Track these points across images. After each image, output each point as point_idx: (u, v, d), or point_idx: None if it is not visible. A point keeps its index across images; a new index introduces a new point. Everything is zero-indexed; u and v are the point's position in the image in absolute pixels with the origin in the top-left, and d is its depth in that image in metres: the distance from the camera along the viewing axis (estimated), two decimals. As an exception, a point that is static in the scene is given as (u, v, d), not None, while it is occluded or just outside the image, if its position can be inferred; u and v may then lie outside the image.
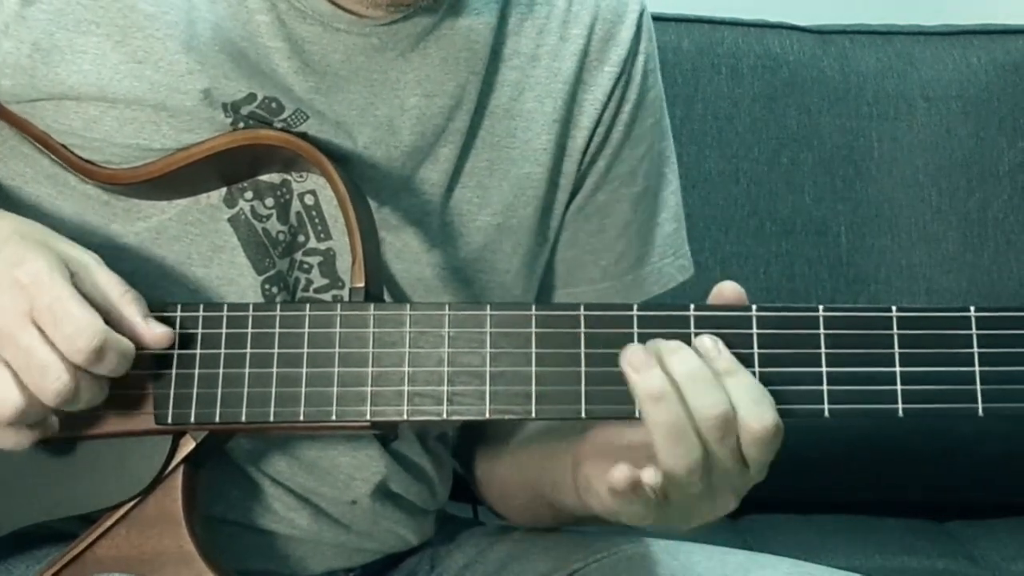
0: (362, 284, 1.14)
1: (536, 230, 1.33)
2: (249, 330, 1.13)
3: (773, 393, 1.07)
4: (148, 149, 1.20)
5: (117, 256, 1.20)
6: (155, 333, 1.12)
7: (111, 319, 1.10)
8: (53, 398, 1.06)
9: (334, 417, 1.11)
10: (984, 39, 2.29)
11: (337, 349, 1.12)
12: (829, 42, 2.27)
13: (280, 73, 1.21)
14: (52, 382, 1.06)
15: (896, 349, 1.07)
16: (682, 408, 1.06)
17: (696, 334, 1.08)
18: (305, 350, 1.12)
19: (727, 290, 1.12)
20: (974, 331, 1.07)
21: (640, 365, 1.07)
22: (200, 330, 1.14)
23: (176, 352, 1.13)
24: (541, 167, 1.31)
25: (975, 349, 1.07)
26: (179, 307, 1.14)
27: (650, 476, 1.07)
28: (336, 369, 1.12)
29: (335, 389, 1.12)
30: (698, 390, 1.06)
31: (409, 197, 1.26)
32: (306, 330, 1.13)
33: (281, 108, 1.20)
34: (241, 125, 1.20)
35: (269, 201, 1.23)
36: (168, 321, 1.13)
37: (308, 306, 1.13)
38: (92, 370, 1.07)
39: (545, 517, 1.34)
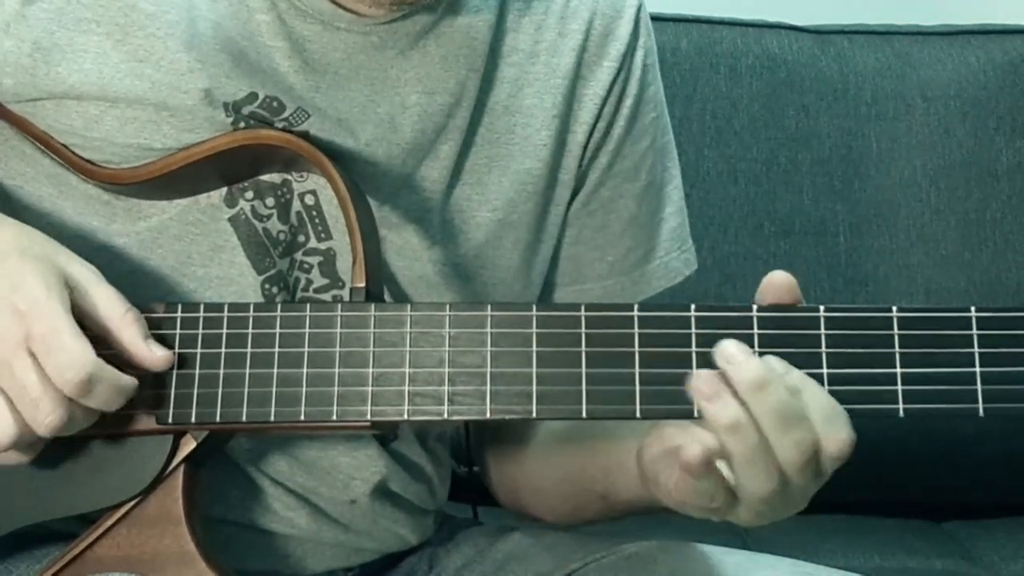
0: (363, 284, 1.14)
1: (536, 225, 1.33)
2: (250, 330, 1.13)
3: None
4: (149, 149, 1.20)
5: (118, 256, 1.21)
6: (156, 356, 1.12)
7: (111, 340, 1.10)
8: (45, 431, 1.07)
9: (335, 417, 1.11)
10: (982, 39, 2.28)
11: (338, 349, 1.12)
12: (828, 42, 2.26)
13: (281, 72, 1.21)
14: (45, 416, 1.07)
15: (897, 349, 1.07)
16: (759, 436, 1.04)
17: (698, 335, 1.08)
18: (306, 350, 1.12)
19: (778, 279, 1.10)
20: (975, 331, 1.07)
21: (711, 394, 1.05)
22: (201, 330, 1.14)
23: (176, 352, 1.13)
24: (541, 163, 1.31)
25: (976, 349, 1.07)
26: (179, 307, 1.14)
27: (727, 472, 1.07)
28: (337, 369, 1.12)
29: (336, 389, 1.11)
30: (783, 430, 1.04)
31: (409, 194, 1.26)
32: (307, 330, 1.13)
33: (282, 107, 1.20)
34: (242, 124, 1.20)
35: (270, 201, 1.23)
36: (169, 322, 1.13)
37: (309, 306, 1.13)
38: (83, 402, 1.08)
39: (591, 511, 1.33)
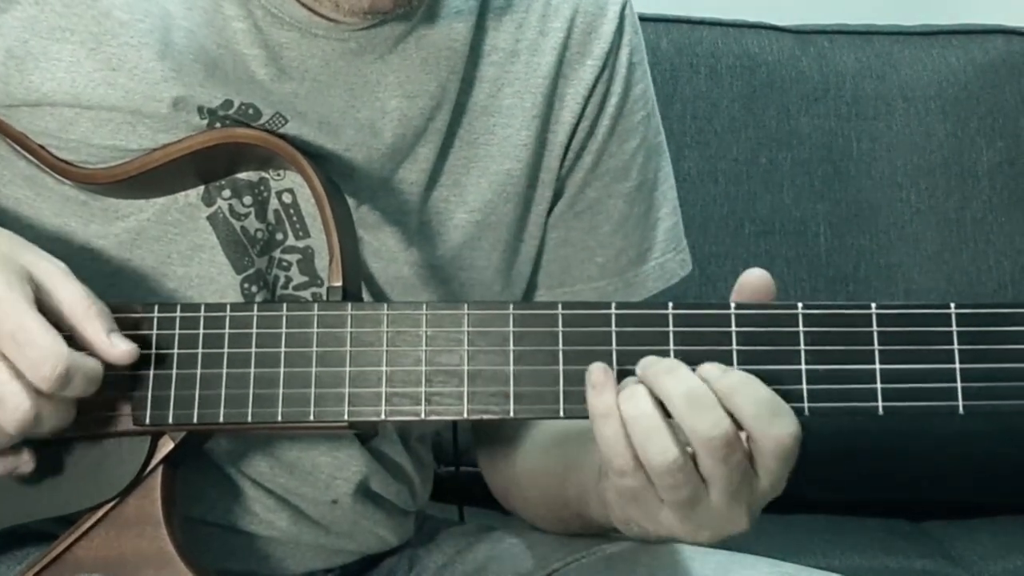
0: (340, 283, 1.14)
1: (516, 227, 1.32)
2: (227, 330, 1.12)
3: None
4: (125, 150, 1.19)
5: (97, 257, 1.20)
6: (119, 351, 1.09)
7: (77, 336, 1.09)
8: (14, 427, 1.06)
9: (312, 417, 1.11)
10: (963, 39, 2.29)
11: (315, 349, 1.11)
12: (808, 42, 2.27)
13: (257, 80, 1.20)
14: (11, 412, 1.05)
15: (876, 346, 1.07)
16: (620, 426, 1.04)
17: (676, 333, 1.08)
18: (283, 350, 1.12)
19: (755, 277, 1.08)
20: (954, 328, 1.06)
21: (599, 384, 1.05)
22: (178, 331, 1.13)
23: (154, 353, 1.13)
24: (520, 163, 1.30)
25: (955, 346, 1.06)
26: (156, 308, 1.14)
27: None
28: (313, 369, 1.11)
29: (312, 389, 1.11)
30: (696, 411, 1.03)
31: (388, 197, 1.26)
32: (283, 330, 1.12)
33: (259, 113, 1.20)
34: (218, 125, 1.20)
35: (247, 199, 1.23)
36: (146, 322, 1.13)
37: (285, 306, 1.13)
38: (59, 395, 1.06)
39: (574, 526, 1.32)
